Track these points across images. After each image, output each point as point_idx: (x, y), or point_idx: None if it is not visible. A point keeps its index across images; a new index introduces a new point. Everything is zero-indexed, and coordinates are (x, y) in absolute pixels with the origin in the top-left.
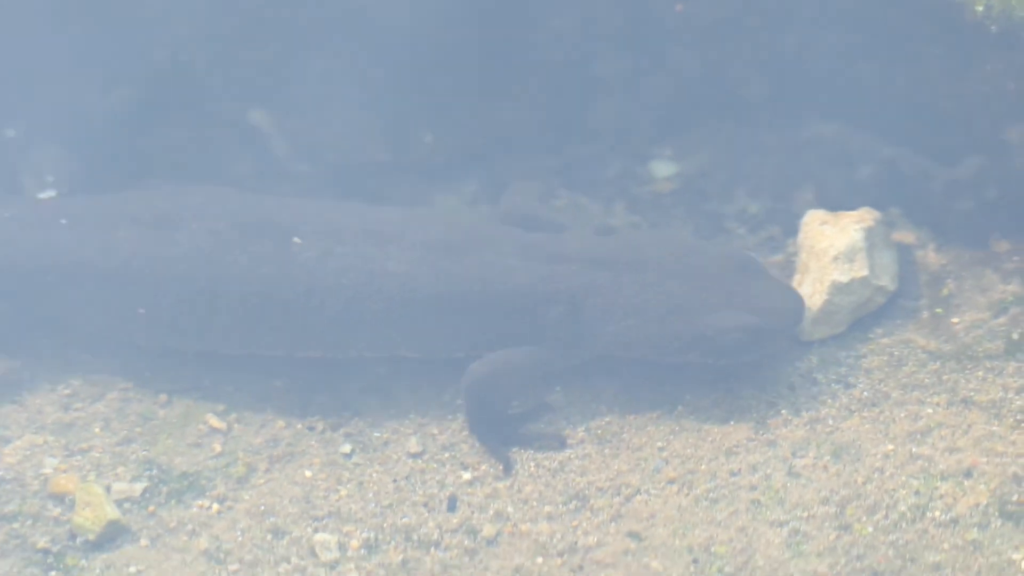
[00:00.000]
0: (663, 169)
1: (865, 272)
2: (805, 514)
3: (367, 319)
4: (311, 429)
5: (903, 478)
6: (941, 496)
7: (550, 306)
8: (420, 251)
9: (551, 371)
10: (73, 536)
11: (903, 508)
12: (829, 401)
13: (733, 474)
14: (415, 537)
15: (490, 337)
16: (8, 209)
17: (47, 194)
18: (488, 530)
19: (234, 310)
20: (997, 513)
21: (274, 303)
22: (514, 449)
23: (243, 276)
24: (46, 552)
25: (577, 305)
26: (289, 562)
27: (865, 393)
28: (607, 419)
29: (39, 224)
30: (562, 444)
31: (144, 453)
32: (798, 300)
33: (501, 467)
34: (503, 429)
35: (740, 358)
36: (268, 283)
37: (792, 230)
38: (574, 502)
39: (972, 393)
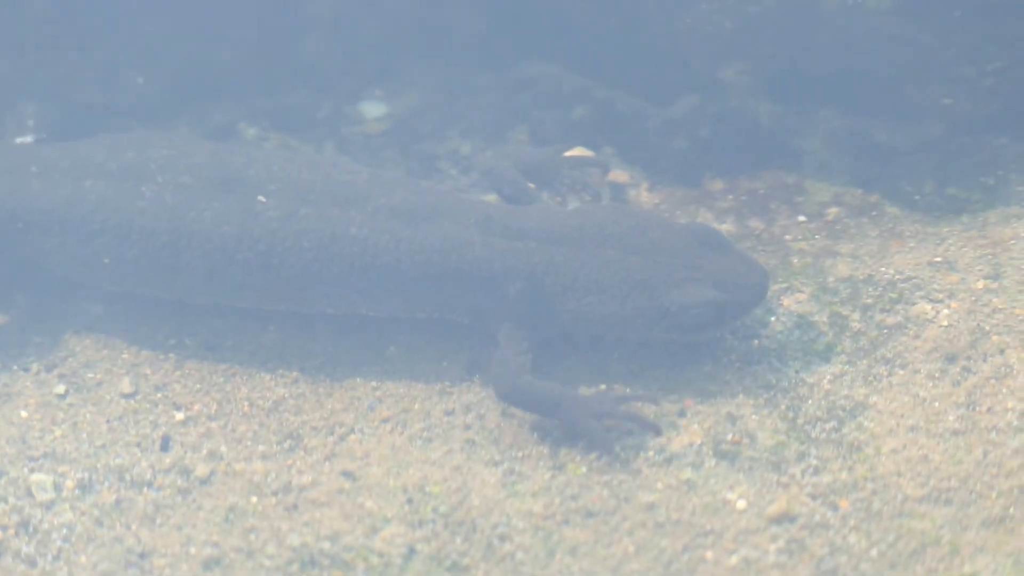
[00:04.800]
0: (374, 110)
1: None
2: (520, 454)
3: (327, 280)
4: (26, 370)
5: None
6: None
7: (509, 280)
8: (382, 217)
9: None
10: None
11: (617, 448)
12: (542, 340)
13: (447, 413)
14: (128, 477)
15: (449, 304)
16: None
17: (24, 139)
18: (201, 470)
19: (196, 264)
20: (711, 452)
21: (236, 260)
22: (613, 424)
23: (206, 233)
24: None
25: (536, 280)
26: (7, 502)
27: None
28: (321, 359)
29: (9, 171)
30: (657, 432)
31: None
32: (763, 274)
33: (602, 454)
34: (591, 409)
35: (705, 333)
36: (230, 240)
37: None
38: (288, 441)
39: None
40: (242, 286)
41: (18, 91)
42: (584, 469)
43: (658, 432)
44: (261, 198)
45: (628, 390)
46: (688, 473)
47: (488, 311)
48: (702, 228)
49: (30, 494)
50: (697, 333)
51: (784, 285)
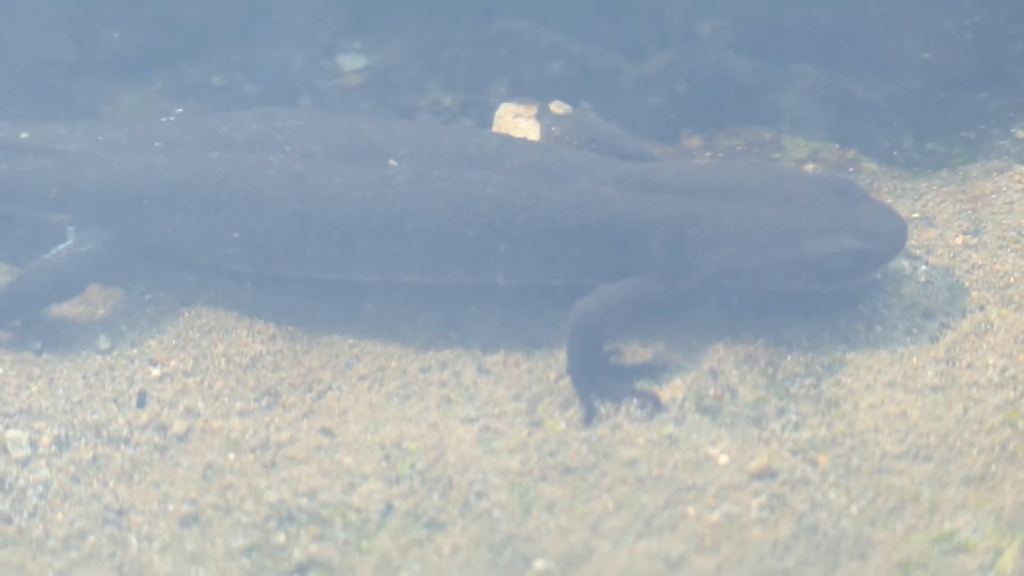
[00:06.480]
0: (351, 63)
1: None
2: (496, 411)
3: (463, 244)
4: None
5: None
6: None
7: (651, 235)
8: (518, 176)
9: (655, 302)
10: None
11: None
12: (520, 297)
13: (423, 371)
14: (105, 433)
15: (588, 265)
16: (102, 133)
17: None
18: (178, 426)
19: (328, 234)
20: (694, 408)
21: (369, 227)
22: (605, 401)
23: (337, 199)
24: None
25: (678, 234)
26: None
27: (559, 290)
28: (297, 316)
29: (132, 147)
30: (657, 407)
31: None
32: (902, 223)
33: (582, 414)
34: (600, 376)
35: (844, 284)
36: (363, 206)
37: (486, 122)
38: (266, 398)
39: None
40: (375, 254)
41: None
42: (563, 425)
43: (658, 408)
44: (392, 162)
45: (637, 357)
46: (670, 428)
47: (627, 269)
48: (839, 179)
49: (5, 451)
50: (837, 283)
51: None
